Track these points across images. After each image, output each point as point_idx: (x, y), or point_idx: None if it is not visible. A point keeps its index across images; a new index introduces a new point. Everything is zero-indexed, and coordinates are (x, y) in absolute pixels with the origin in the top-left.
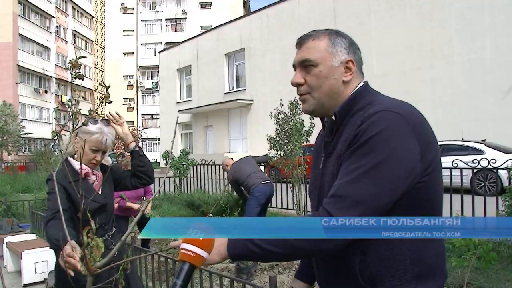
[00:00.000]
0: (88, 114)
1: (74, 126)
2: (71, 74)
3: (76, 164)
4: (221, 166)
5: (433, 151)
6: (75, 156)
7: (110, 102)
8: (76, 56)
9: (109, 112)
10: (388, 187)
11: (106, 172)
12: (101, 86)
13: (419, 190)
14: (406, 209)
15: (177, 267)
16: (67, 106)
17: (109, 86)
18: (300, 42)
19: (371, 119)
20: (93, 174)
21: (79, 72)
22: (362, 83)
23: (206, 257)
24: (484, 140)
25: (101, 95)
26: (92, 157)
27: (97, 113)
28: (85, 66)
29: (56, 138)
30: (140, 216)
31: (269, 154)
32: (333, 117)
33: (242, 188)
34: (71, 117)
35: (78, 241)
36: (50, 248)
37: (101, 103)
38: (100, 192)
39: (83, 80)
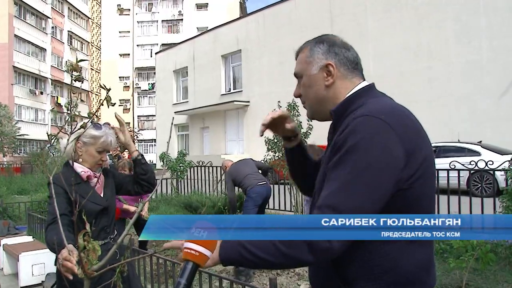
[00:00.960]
0: (87, 116)
1: (72, 129)
2: (71, 76)
3: (77, 167)
4: (218, 168)
5: (421, 158)
6: (80, 160)
7: (113, 104)
8: (77, 59)
9: (116, 113)
10: (367, 198)
11: (108, 176)
12: (100, 88)
13: (399, 198)
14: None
15: (176, 269)
16: (64, 108)
17: (109, 89)
18: (295, 57)
19: (351, 126)
20: (95, 177)
21: (80, 74)
22: (363, 85)
23: (210, 256)
24: (481, 141)
25: (97, 96)
26: (99, 158)
27: (96, 115)
28: (81, 68)
29: (53, 140)
30: (136, 218)
31: (265, 159)
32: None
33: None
34: (68, 120)
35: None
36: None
37: (101, 106)
38: (102, 195)
39: (82, 82)
